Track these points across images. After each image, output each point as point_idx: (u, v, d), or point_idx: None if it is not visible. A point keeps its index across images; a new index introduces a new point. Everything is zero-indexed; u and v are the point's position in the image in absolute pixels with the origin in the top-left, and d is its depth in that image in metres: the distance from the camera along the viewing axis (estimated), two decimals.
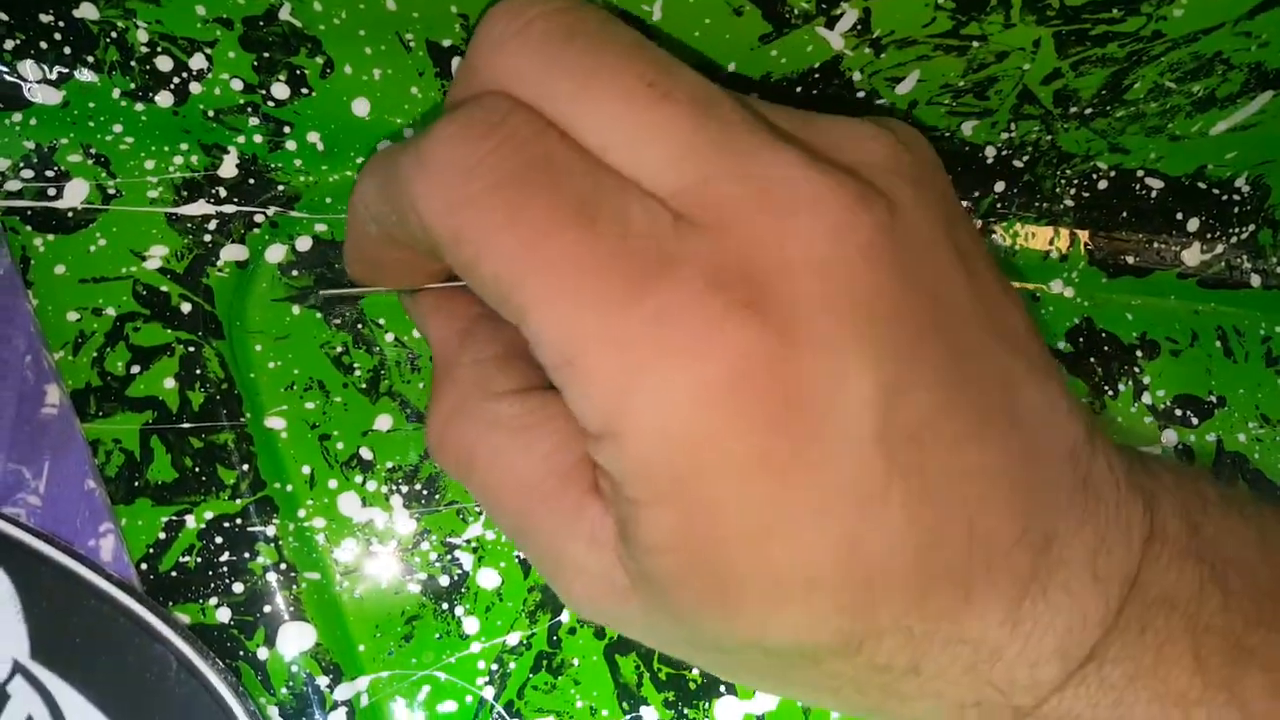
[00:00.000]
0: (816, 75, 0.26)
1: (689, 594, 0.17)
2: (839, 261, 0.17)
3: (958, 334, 0.18)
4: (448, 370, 0.22)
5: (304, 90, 0.27)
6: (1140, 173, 0.31)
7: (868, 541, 0.17)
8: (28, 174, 0.27)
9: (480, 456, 0.21)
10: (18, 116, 0.27)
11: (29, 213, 0.27)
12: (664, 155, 0.17)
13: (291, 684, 0.26)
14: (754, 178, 0.17)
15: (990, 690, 0.18)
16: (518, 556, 0.28)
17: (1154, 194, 0.31)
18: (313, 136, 0.28)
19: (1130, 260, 0.31)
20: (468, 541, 0.28)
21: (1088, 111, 0.28)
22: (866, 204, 0.17)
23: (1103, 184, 0.31)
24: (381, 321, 0.28)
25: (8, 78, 0.26)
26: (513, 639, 0.27)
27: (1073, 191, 0.31)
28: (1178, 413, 0.32)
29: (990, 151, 0.29)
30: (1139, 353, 0.32)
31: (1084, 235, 0.31)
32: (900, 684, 0.18)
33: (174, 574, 0.26)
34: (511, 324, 0.17)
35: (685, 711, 0.28)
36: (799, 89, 0.27)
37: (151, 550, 0.26)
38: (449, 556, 0.27)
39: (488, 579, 0.28)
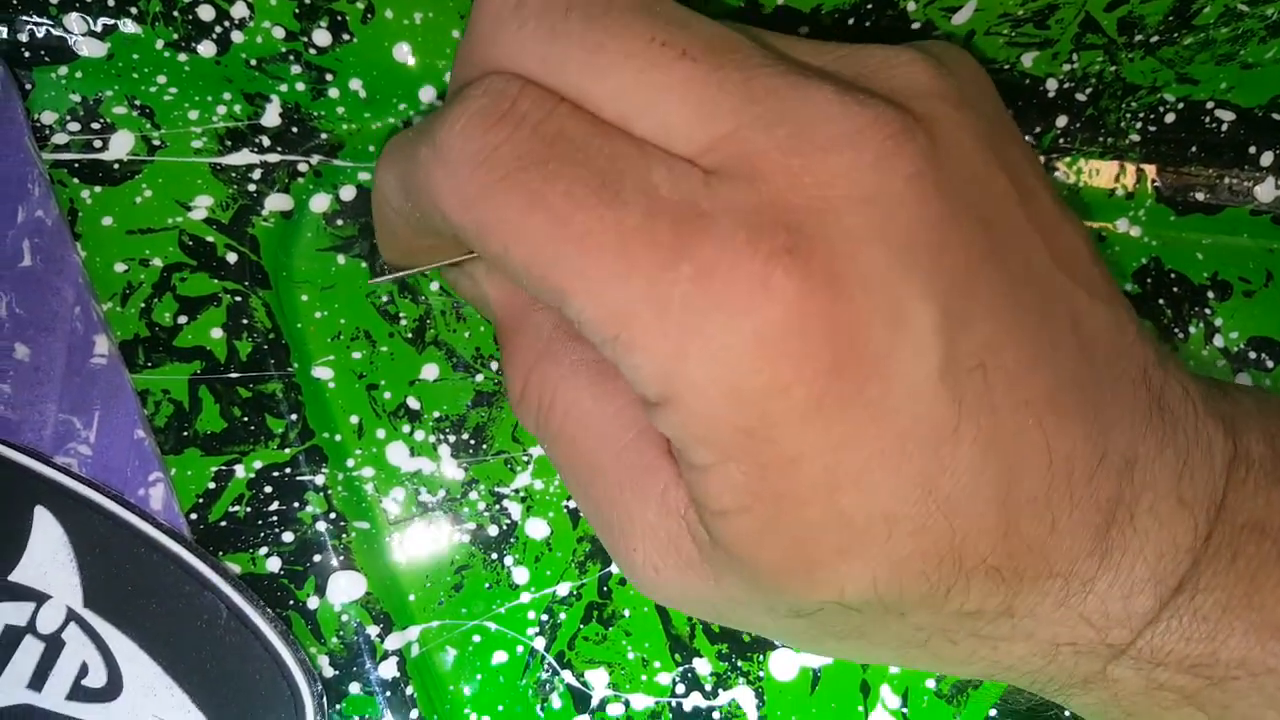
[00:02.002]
0: (869, 6, 0.26)
1: (765, 554, 0.17)
2: (884, 196, 0.16)
3: (1015, 260, 0.17)
4: (523, 318, 0.21)
5: (345, 36, 0.27)
6: (1210, 104, 0.29)
7: (943, 480, 0.16)
8: (74, 127, 0.27)
9: (560, 403, 0.20)
10: (63, 70, 0.27)
11: (76, 165, 0.27)
12: (688, 114, 0.16)
13: (342, 633, 0.26)
14: (785, 121, 0.16)
15: (1084, 627, 0.17)
16: (566, 507, 0.27)
17: (1225, 126, 0.30)
18: (355, 84, 0.27)
19: (1200, 197, 0.30)
20: (516, 491, 0.27)
21: (1154, 39, 0.27)
22: (908, 132, 0.16)
23: (1170, 117, 0.29)
24: (426, 271, 0.27)
25: (53, 31, 0.26)
26: (563, 589, 0.27)
27: (1139, 125, 0.29)
28: (1252, 355, 0.30)
29: (1052, 84, 0.28)
30: (1210, 293, 0.30)
31: (1151, 171, 0.30)
32: (992, 628, 0.18)
33: (223, 524, 0.26)
34: None
35: (739, 664, 0.27)
36: (850, 21, 0.26)
37: (201, 500, 0.26)
38: (497, 506, 0.27)
39: (536, 529, 0.27)
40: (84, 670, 0.24)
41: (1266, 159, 0.30)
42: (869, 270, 0.15)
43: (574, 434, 0.20)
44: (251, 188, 0.27)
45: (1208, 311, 0.30)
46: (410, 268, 0.23)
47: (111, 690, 0.24)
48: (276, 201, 0.27)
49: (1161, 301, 0.30)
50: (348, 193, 0.28)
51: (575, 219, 0.15)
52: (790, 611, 0.18)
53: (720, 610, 0.19)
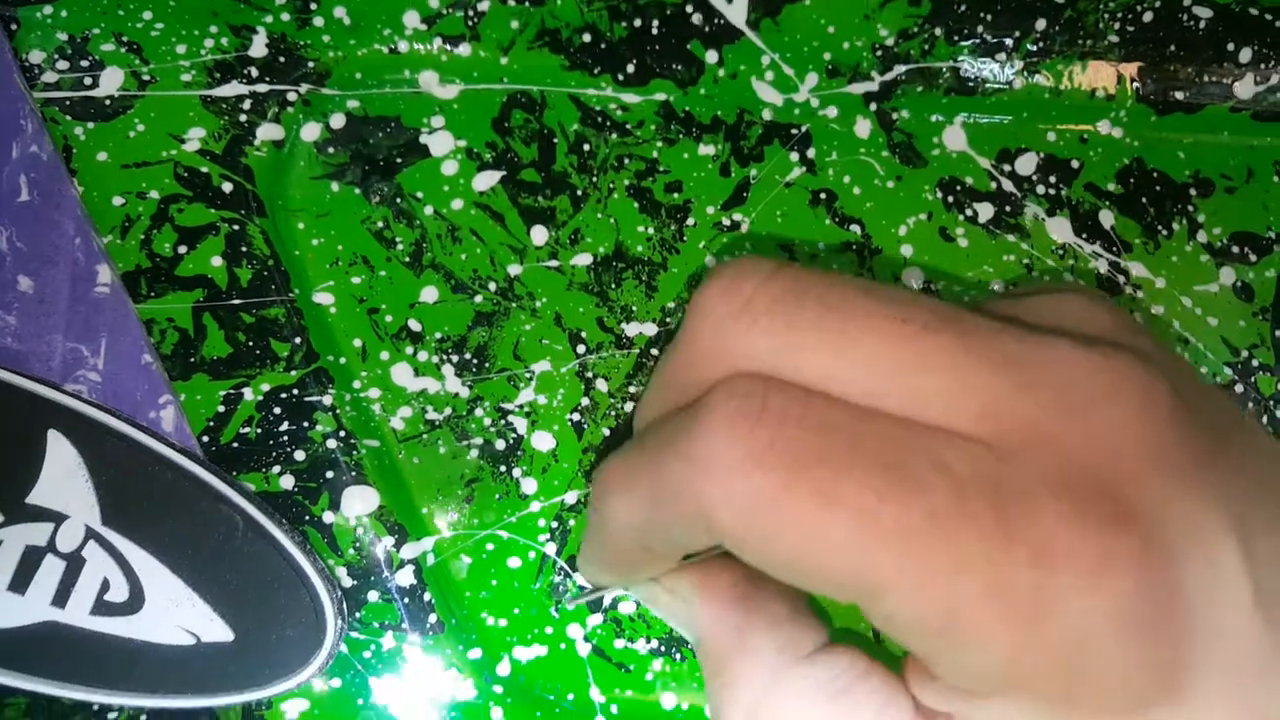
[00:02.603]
0: None
1: None
2: (1157, 439, 0.16)
3: (1239, 452, 0.17)
4: (739, 641, 0.20)
5: None
6: (1187, 1, 0.30)
7: (1276, 705, 0.16)
8: (63, 65, 0.27)
9: None
10: (49, 9, 0.27)
11: (67, 103, 0.27)
12: (944, 385, 0.16)
13: (358, 545, 0.27)
14: (1043, 385, 0.16)
15: None
16: (570, 420, 0.28)
17: (1203, 23, 0.30)
18: (339, 11, 0.28)
19: (1180, 96, 0.30)
20: (520, 407, 0.28)
21: None
22: (1150, 374, 0.16)
23: (1148, 16, 0.30)
24: (419, 195, 0.28)
25: None
26: (570, 498, 0.28)
27: (1117, 26, 0.30)
28: (1235, 250, 0.31)
29: None
30: (1192, 191, 0.31)
31: (1131, 72, 0.30)
32: None
33: (235, 445, 0.26)
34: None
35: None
36: None
37: (212, 424, 0.26)
38: (503, 422, 0.28)
39: (542, 442, 0.28)
40: (105, 586, 0.24)
41: (1245, 55, 0.30)
42: (1178, 518, 0.15)
43: None
44: (242, 118, 0.27)
45: (1190, 209, 0.31)
46: (614, 584, 0.22)
47: (134, 603, 0.24)
48: (268, 131, 0.28)
49: (1144, 201, 0.30)
50: (338, 120, 0.28)
51: (881, 513, 0.15)
52: None
53: None
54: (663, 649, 0.27)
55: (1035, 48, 0.30)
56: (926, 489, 0.15)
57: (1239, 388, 0.30)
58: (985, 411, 0.16)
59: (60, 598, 0.24)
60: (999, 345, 0.16)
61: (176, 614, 0.25)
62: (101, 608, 0.25)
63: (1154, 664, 0.15)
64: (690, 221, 0.28)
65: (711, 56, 0.28)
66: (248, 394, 0.27)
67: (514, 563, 0.27)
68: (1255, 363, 0.30)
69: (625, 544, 0.19)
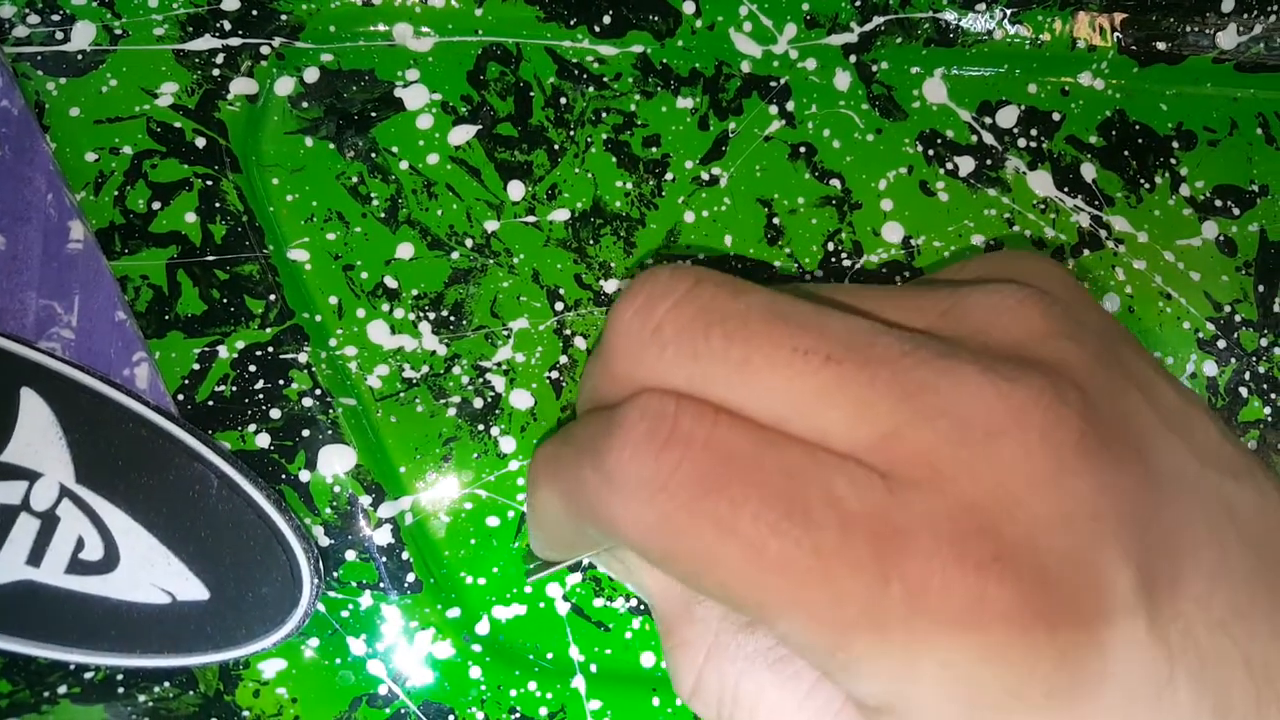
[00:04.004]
0: None
1: None
2: (1059, 472, 0.16)
3: (1170, 476, 0.17)
4: (686, 611, 0.21)
5: None
6: None
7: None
8: (33, 19, 0.27)
9: (744, 697, 0.20)
10: None
11: (39, 57, 0.27)
12: (845, 416, 0.16)
13: (335, 504, 0.26)
14: (944, 414, 0.16)
15: None
16: (549, 378, 0.28)
17: None
18: None
19: (1162, 47, 0.30)
20: (498, 365, 0.28)
21: None
22: (1060, 398, 0.16)
23: None
24: (394, 149, 0.28)
25: None
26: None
27: None
28: (1218, 204, 0.30)
29: None
30: (1175, 144, 0.31)
31: (1113, 22, 0.30)
32: None
33: (211, 403, 0.26)
34: None
35: None
36: None
37: (187, 381, 0.26)
38: (481, 380, 0.27)
39: (521, 400, 0.27)
40: (80, 544, 0.24)
41: (1227, 4, 0.30)
42: (1067, 554, 0.16)
43: None
44: (216, 73, 0.27)
45: (1173, 162, 0.31)
46: (563, 559, 0.23)
47: (109, 562, 0.24)
48: (241, 86, 0.27)
49: (1127, 154, 0.30)
50: (311, 74, 0.28)
51: (770, 547, 0.15)
52: None
53: None
54: (641, 608, 0.27)
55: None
56: (815, 524, 0.15)
57: (1221, 343, 0.30)
58: (883, 443, 0.16)
59: (35, 556, 0.24)
60: (904, 372, 0.16)
61: (152, 572, 0.24)
62: (76, 566, 0.24)
63: (1035, 692, 0.15)
64: (669, 176, 0.28)
65: (689, 7, 0.28)
66: (223, 351, 0.26)
67: (493, 522, 0.27)
68: (1238, 318, 0.30)
69: (558, 531, 0.20)
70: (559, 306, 0.28)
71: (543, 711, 0.27)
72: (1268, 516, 0.18)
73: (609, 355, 0.18)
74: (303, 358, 0.27)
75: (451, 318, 0.28)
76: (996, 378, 0.16)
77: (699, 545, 0.16)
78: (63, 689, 0.26)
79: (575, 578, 0.27)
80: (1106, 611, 0.16)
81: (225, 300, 0.26)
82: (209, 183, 0.27)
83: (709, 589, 0.16)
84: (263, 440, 0.26)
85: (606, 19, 0.28)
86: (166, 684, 0.26)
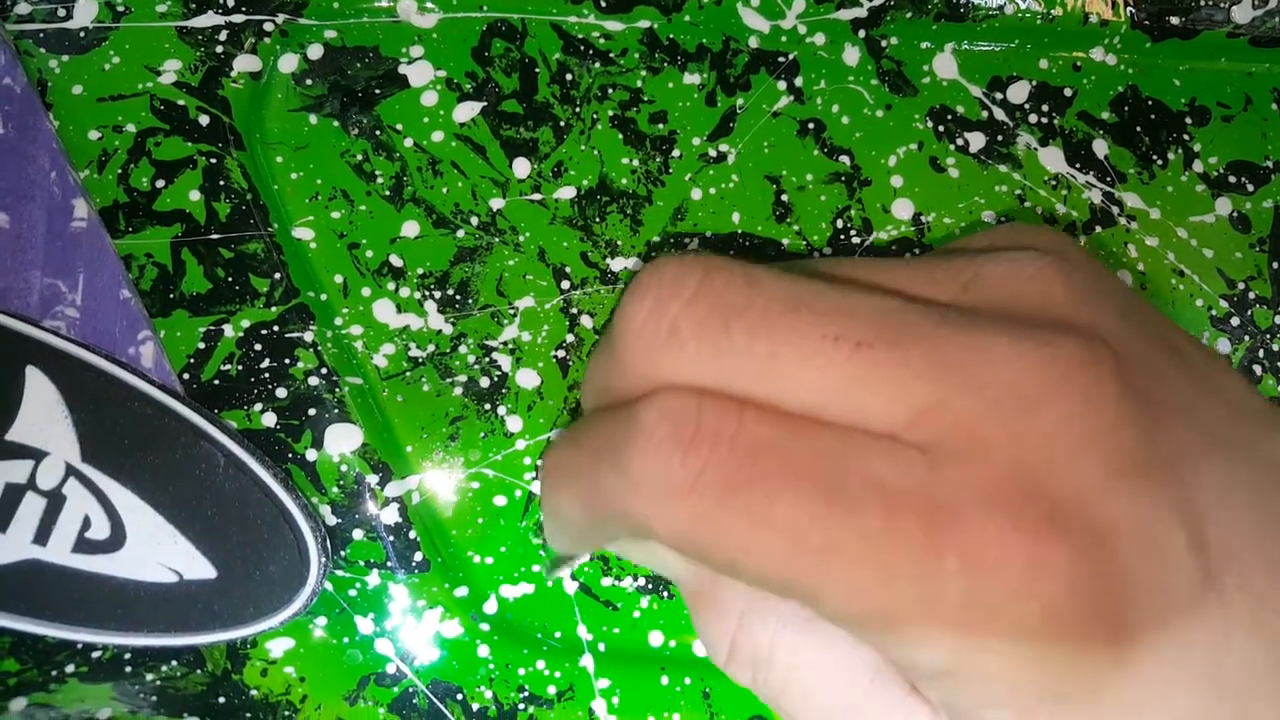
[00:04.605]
0: None
1: None
2: (1103, 432, 0.16)
3: (1207, 434, 0.17)
4: (713, 579, 0.21)
5: None
6: None
7: (1229, 680, 0.16)
8: None
9: (780, 659, 0.20)
10: None
11: (41, 35, 0.26)
12: (883, 399, 0.16)
13: (342, 482, 0.26)
14: (983, 385, 0.16)
15: None
16: (555, 357, 0.27)
17: None
18: None
19: (1176, 21, 0.30)
20: (504, 344, 0.27)
21: None
22: (1097, 359, 0.16)
23: None
24: (399, 127, 0.27)
25: None
26: (556, 435, 0.27)
27: None
28: (1231, 180, 0.30)
29: None
30: (1188, 120, 0.30)
31: None
32: None
33: (216, 382, 0.26)
34: None
35: None
36: None
37: (192, 360, 0.26)
38: (487, 359, 0.27)
39: (527, 379, 0.27)
40: (87, 523, 0.24)
41: None
42: (1119, 511, 0.15)
43: (809, 684, 0.20)
44: (219, 50, 0.27)
45: (1186, 138, 0.30)
46: (582, 553, 0.22)
47: (115, 541, 0.24)
48: (245, 63, 0.27)
49: (1139, 129, 0.30)
50: (315, 51, 0.27)
51: (812, 535, 0.15)
52: None
53: None
54: (650, 587, 0.27)
55: None
56: (857, 508, 0.15)
57: (1235, 320, 0.30)
58: (922, 419, 0.16)
59: (41, 535, 0.24)
60: (938, 349, 0.16)
61: (158, 551, 0.24)
62: (83, 545, 0.24)
63: (1094, 653, 0.15)
64: (676, 153, 0.28)
65: None
66: (228, 330, 0.26)
67: (500, 501, 0.27)
68: (1252, 295, 0.30)
69: (577, 531, 0.19)
70: (565, 285, 0.27)
71: (551, 690, 0.27)
72: None
73: (622, 358, 0.17)
74: (308, 336, 0.27)
75: (457, 296, 0.27)
76: (1033, 344, 0.16)
77: (735, 541, 0.15)
78: (70, 668, 0.26)
79: (582, 557, 0.27)
80: (1161, 569, 0.16)
81: (230, 279, 0.26)
82: (213, 160, 0.27)
83: (748, 578, 0.16)
84: (269, 419, 0.26)
85: None
86: (174, 663, 0.26)
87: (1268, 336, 0.30)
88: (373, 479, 0.26)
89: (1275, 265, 0.30)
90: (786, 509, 0.15)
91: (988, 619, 0.15)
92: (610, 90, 0.28)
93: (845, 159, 0.28)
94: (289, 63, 0.27)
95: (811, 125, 0.28)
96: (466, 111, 0.27)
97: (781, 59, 0.28)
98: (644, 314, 0.17)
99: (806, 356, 0.16)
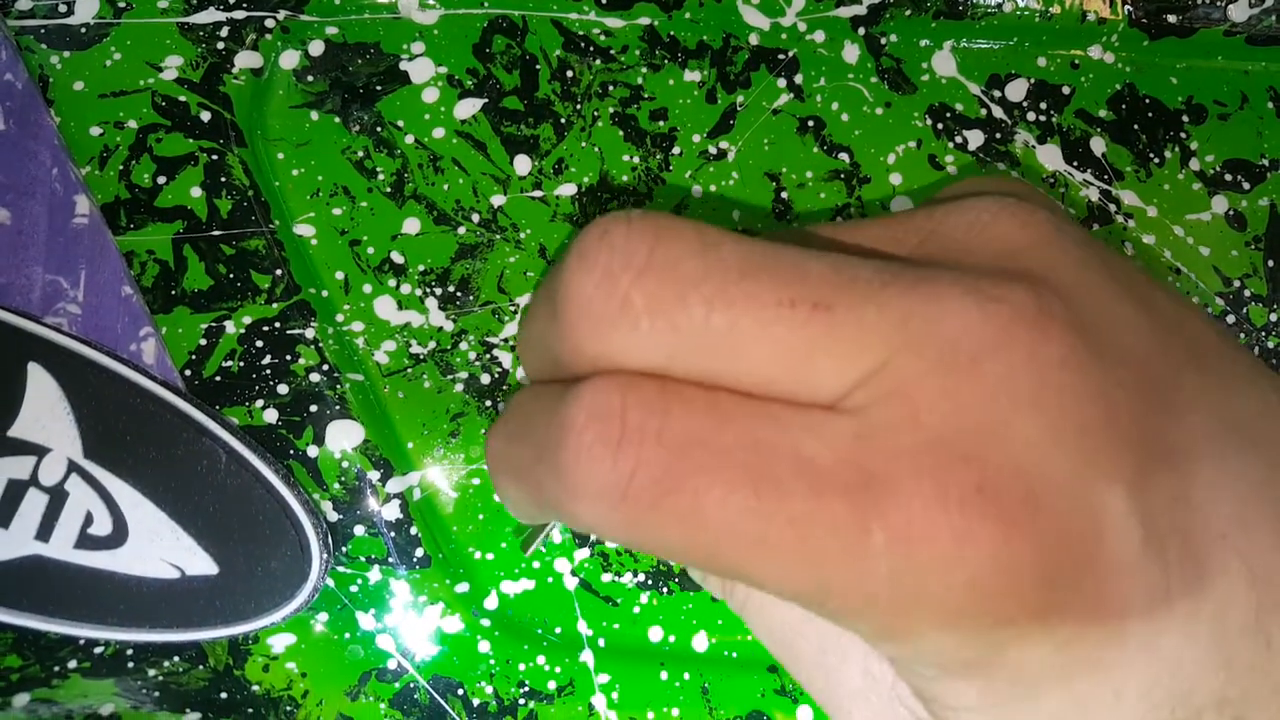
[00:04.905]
0: None
1: None
2: (1046, 390, 0.15)
3: (1167, 386, 0.17)
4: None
5: None
6: None
7: (1165, 642, 0.16)
8: None
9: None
10: None
11: (42, 31, 0.26)
12: (836, 363, 0.15)
13: (343, 479, 0.26)
14: (924, 343, 0.15)
15: None
16: None
17: None
18: None
19: (1173, 20, 0.30)
20: (505, 340, 0.27)
21: None
22: (1046, 311, 0.16)
23: None
24: (400, 123, 0.27)
25: None
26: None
27: None
28: (1228, 178, 0.30)
29: None
30: (1185, 118, 0.30)
31: None
32: None
33: (218, 379, 0.26)
34: None
35: None
36: None
37: (194, 357, 0.26)
38: (488, 355, 0.27)
39: None
40: (89, 519, 0.24)
41: None
42: (1054, 475, 0.15)
43: (764, 602, 0.20)
44: (220, 46, 0.27)
45: (1183, 136, 0.30)
46: (548, 522, 0.22)
47: (118, 537, 0.24)
48: (246, 59, 0.27)
49: (1136, 128, 0.30)
50: (316, 48, 0.27)
51: (742, 527, 0.15)
52: None
53: None
54: (649, 583, 0.27)
55: None
56: (785, 494, 0.15)
57: (1231, 318, 0.30)
58: (865, 384, 0.15)
59: (44, 531, 0.24)
60: (889, 305, 0.16)
61: (160, 547, 0.24)
62: (85, 541, 0.24)
63: (1028, 620, 0.15)
64: (676, 150, 0.28)
65: None
66: (229, 327, 0.26)
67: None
68: (1247, 293, 0.30)
69: (532, 513, 0.19)
70: None
71: (551, 685, 0.27)
72: (1271, 421, 0.17)
73: (569, 332, 0.16)
74: (310, 333, 0.27)
75: (458, 293, 0.27)
76: (980, 297, 0.15)
77: (673, 539, 0.15)
78: (73, 663, 0.26)
79: (583, 553, 0.27)
80: (1097, 532, 0.15)
81: (232, 275, 0.26)
82: (214, 157, 0.27)
83: (692, 566, 0.16)
84: (270, 416, 0.26)
85: None
86: (176, 658, 0.26)
87: (1263, 334, 0.30)
88: (374, 475, 0.27)
89: (1271, 263, 0.30)
90: (717, 506, 0.15)
91: (915, 594, 0.15)
92: (611, 87, 0.28)
93: (845, 156, 0.28)
94: (290, 59, 0.27)
95: (811, 122, 0.28)
96: (467, 108, 0.27)
97: (781, 56, 0.28)
98: (592, 285, 0.16)
99: (765, 324, 0.15)
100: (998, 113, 0.29)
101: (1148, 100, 0.30)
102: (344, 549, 0.26)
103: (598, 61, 0.28)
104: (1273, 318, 0.30)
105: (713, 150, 0.28)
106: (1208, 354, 0.18)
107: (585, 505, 0.15)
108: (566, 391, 0.16)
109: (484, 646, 0.27)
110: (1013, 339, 0.15)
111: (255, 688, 0.26)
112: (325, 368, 0.27)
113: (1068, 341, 0.15)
